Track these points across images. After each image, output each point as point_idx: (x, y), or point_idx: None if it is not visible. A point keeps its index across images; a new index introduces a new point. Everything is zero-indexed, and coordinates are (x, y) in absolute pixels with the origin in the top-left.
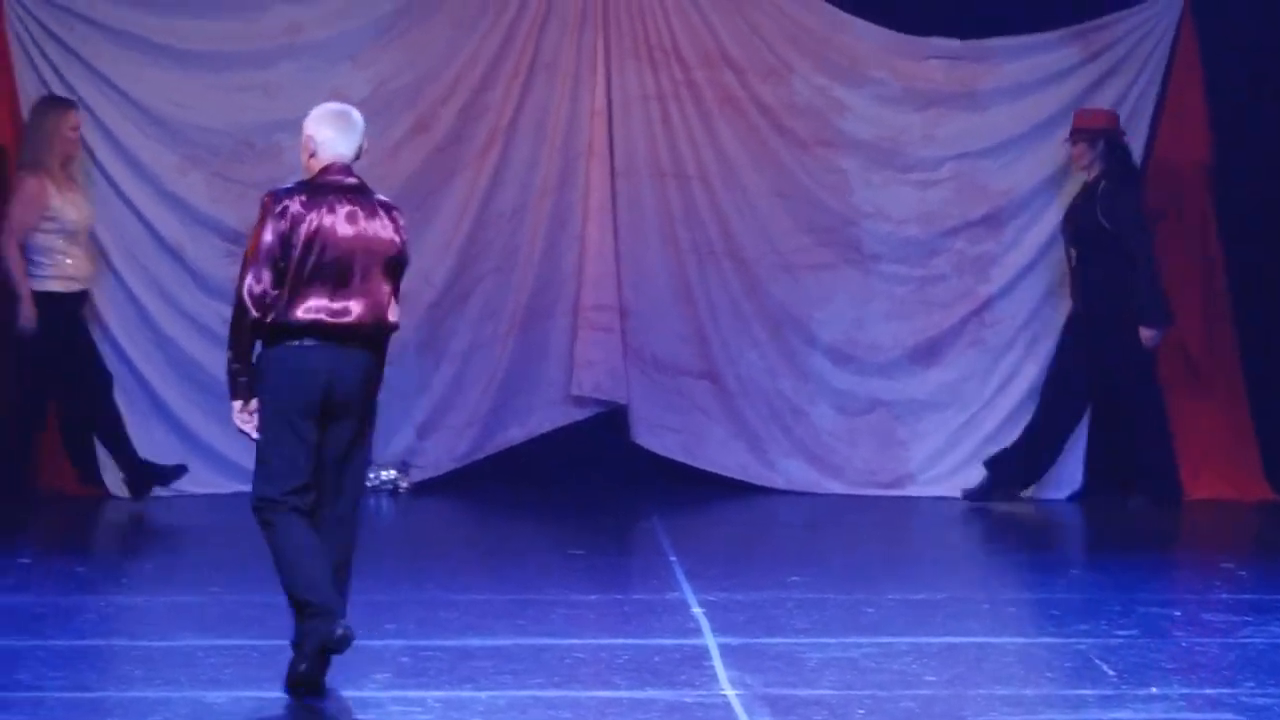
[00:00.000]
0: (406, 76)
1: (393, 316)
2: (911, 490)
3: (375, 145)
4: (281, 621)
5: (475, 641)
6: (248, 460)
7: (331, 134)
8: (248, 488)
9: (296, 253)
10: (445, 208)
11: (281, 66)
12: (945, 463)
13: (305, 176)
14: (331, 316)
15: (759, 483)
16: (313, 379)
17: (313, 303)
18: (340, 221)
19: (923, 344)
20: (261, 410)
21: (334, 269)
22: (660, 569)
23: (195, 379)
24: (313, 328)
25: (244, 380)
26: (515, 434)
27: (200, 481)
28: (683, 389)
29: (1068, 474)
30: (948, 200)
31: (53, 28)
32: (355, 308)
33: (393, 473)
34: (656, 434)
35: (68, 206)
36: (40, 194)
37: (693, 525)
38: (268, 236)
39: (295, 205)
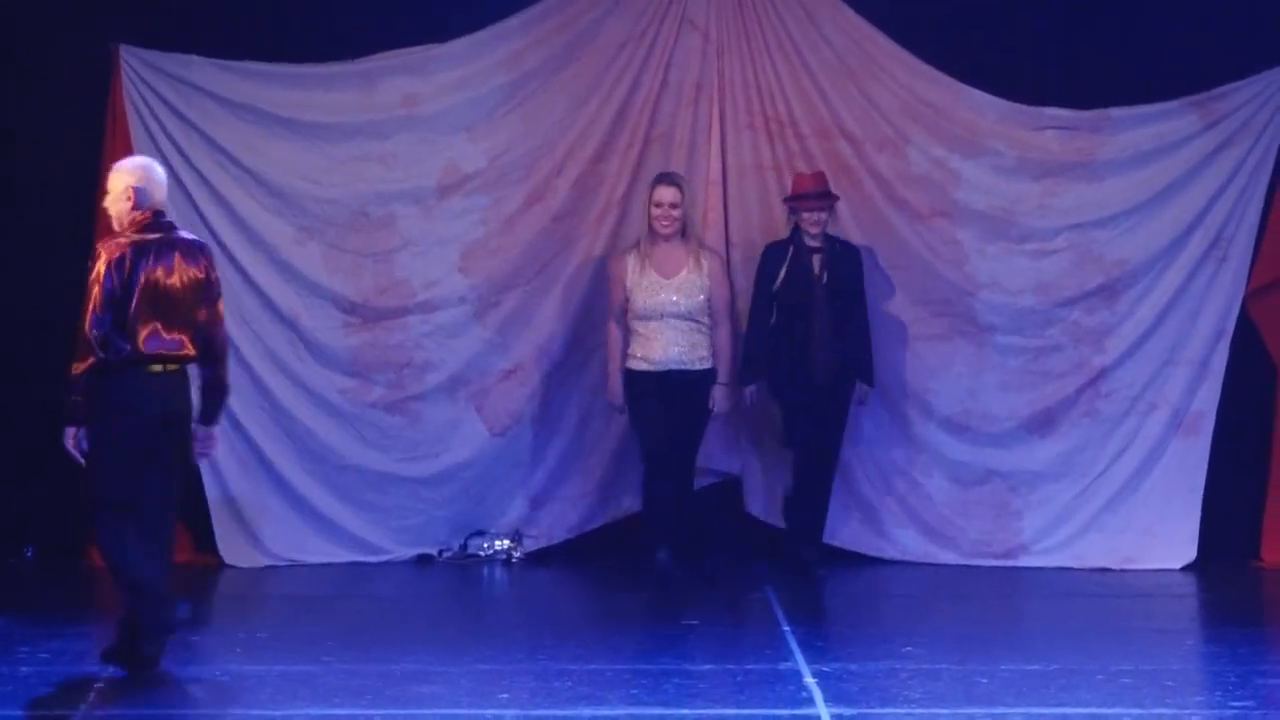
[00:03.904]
0: (522, 148)
1: (220, 334)
2: (1025, 561)
3: (491, 216)
4: (395, 691)
5: (588, 711)
6: (362, 530)
7: (147, 186)
8: (362, 557)
9: (134, 296)
10: (561, 278)
11: (398, 138)
12: (1059, 533)
13: (122, 224)
14: (167, 348)
15: (872, 553)
16: (153, 400)
17: (149, 337)
18: (166, 265)
19: (1037, 414)
20: (100, 432)
21: (164, 306)
22: (774, 639)
23: (309, 448)
24: (151, 358)
25: (81, 411)
26: (629, 504)
27: (314, 550)
28: None
29: (1182, 544)
30: (1063, 270)
31: (170, 99)
32: (185, 338)
33: (506, 542)
34: (770, 504)
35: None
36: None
37: (806, 595)
38: (108, 284)
39: (130, 254)
